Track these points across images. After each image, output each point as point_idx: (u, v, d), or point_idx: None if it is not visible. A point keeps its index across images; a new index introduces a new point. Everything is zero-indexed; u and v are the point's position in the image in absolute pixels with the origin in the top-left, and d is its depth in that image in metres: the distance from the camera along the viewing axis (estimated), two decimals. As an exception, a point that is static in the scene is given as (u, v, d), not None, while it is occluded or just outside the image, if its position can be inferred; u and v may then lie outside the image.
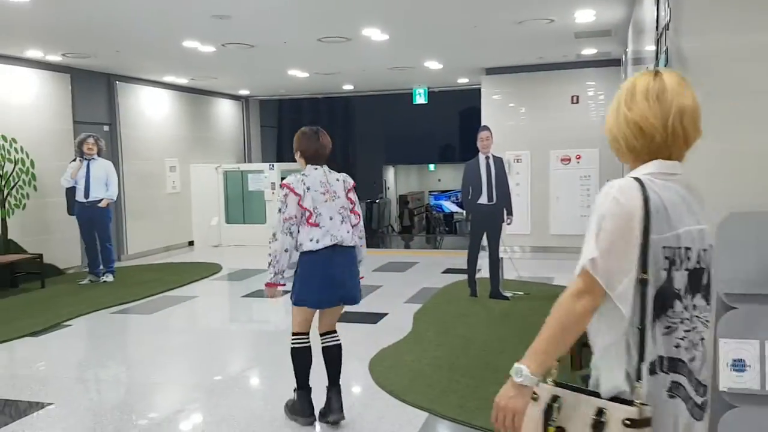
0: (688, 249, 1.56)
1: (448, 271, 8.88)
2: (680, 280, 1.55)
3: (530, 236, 10.15)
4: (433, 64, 9.77)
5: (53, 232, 8.84)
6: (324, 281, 3.64)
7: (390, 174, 24.40)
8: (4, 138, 8.16)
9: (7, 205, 8.16)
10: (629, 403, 1.50)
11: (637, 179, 1.55)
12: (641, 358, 1.52)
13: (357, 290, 3.80)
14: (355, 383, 4.52)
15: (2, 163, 8.10)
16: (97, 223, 8.21)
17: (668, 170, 1.59)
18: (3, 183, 8.11)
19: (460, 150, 23.67)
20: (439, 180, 25.92)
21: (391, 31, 7.27)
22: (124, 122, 10.36)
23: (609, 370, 1.56)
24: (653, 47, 3.63)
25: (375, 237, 21.34)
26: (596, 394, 1.57)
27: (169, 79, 10.89)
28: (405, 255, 10.96)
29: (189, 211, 11.90)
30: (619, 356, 1.54)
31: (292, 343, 3.79)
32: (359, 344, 5.38)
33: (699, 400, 1.59)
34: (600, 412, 1.51)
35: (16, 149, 8.31)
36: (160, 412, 4.14)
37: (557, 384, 1.61)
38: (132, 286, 8.02)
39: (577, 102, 10.18)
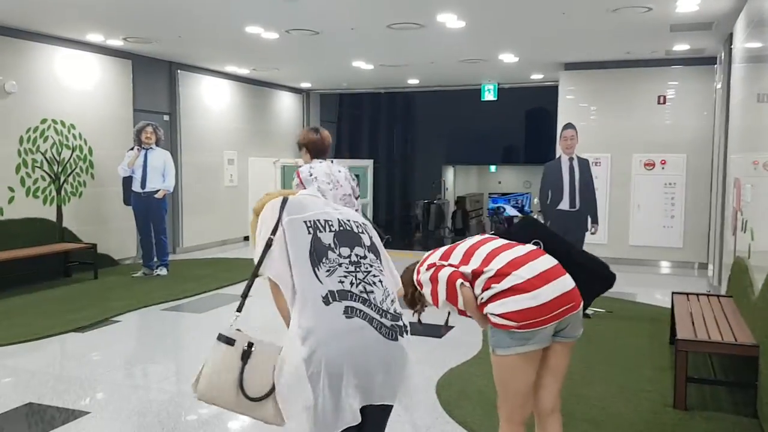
0: (327, 221, 2.12)
1: (517, 280, 8.23)
2: (327, 238, 2.08)
3: (607, 246, 9.36)
4: (508, 57, 9.11)
5: (109, 221, 8.63)
6: None
7: (449, 174, 23.75)
8: (63, 124, 7.98)
9: (63, 193, 7.97)
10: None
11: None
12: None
13: None
14: (422, 409, 3.97)
15: (60, 149, 7.92)
16: (153, 215, 7.94)
17: (310, 192, 2.32)
18: (60, 170, 7.93)
19: (525, 151, 22.85)
20: (500, 182, 25.13)
21: (469, 17, 6.69)
22: (184, 112, 10.11)
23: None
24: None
25: (431, 239, 20.78)
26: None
27: (230, 69, 10.60)
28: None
29: (246, 205, 11.59)
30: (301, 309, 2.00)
31: None
32: (423, 362, 4.85)
33: (388, 323, 2.01)
34: (249, 344, 2.06)
35: (74, 135, 8.13)
36: (205, 426, 3.70)
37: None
38: (185, 281, 7.70)
39: (664, 102, 9.35)
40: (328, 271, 2.00)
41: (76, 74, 8.18)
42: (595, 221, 6.27)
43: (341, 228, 2.11)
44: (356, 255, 2.07)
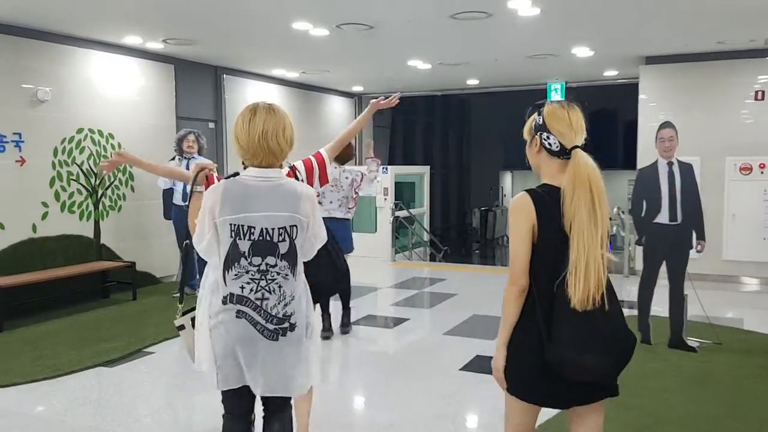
0: (251, 227, 2.36)
1: (597, 302, 7.28)
2: (244, 246, 2.37)
3: (696, 261, 8.25)
4: (583, 51, 8.17)
5: (150, 237, 8.09)
6: None
7: (507, 180, 22.71)
8: (101, 133, 7.48)
9: (101, 207, 7.47)
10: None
11: (228, 178, 2.45)
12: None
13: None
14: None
15: (97, 161, 7.42)
16: (195, 230, 7.33)
17: (258, 174, 2.45)
18: (97, 182, 7.42)
19: (591, 154, 21.68)
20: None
21: (545, 2, 5.82)
22: (230, 119, 9.55)
23: (210, 297, 2.49)
24: None
25: (489, 248, 19.78)
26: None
27: (278, 72, 10.01)
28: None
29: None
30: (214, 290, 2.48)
31: None
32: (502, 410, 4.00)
33: (271, 327, 2.40)
34: (181, 326, 2.82)
35: (113, 145, 7.62)
36: None
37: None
38: (228, 302, 7.06)
39: (762, 98, 8.24)
40: (235, 275, 2.37)
41: (114, 80, 7.67)
42: (701, 237, 5.30)
43: (260, 238, 2.36)
44: (267, 264, 2.38)
